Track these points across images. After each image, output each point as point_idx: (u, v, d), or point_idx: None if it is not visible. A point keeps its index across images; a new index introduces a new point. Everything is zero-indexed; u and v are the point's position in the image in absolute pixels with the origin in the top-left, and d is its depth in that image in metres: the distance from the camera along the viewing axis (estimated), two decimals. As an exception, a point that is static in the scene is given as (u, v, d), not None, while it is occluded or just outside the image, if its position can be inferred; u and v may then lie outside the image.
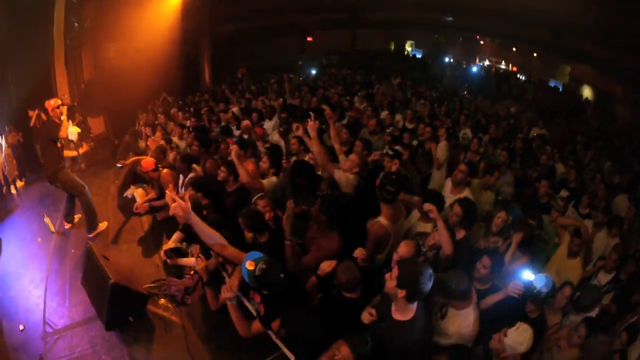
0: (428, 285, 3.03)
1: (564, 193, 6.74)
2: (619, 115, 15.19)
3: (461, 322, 3.53)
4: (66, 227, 6.91)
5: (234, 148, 5.40)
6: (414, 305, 3.13)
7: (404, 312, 3.15)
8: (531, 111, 14.12)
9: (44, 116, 9.82)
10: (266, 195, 5.01)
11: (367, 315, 3.35)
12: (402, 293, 3.03)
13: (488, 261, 4.02)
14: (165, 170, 6.61)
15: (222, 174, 5.48)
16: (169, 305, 4.56)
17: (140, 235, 6.36)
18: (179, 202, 3.26)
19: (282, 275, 3.44)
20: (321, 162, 5.40)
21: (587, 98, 16.99)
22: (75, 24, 12.88)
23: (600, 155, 10.54)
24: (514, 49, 20.40)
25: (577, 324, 4.13)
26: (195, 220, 3.44)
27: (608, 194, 7.44)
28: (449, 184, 5.88)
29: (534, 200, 6.53)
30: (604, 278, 5.41)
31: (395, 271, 3.08)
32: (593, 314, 4.52)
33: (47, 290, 5.37)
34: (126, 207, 7.08)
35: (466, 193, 5.47)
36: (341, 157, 5.87)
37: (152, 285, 4.82)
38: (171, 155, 7.14)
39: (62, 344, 4.48)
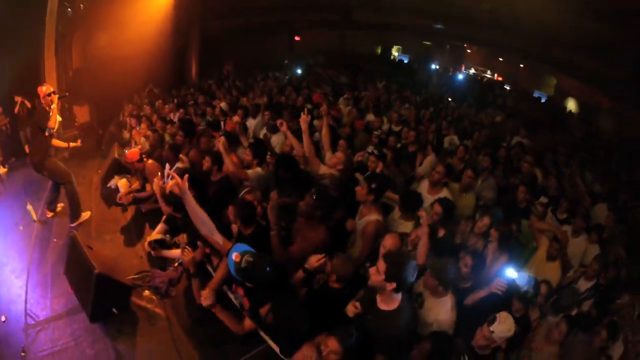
0: (414, 275, 3.20)
1: (543, 199, 6.88)
2: (604, 128, 15.36)
3: (440, 309, 3.66)
4: (48, 215, 6.80)
5: (221, 139, 5.51)
6: (399, 296, 3.24)
7: (389, 303, 3.25)
8: (514, 120, 14.12)
9: (27, 103, 9.68)
10: (253, 190, 5.11)
11: (352, 308, 3.44)
12: (391, 286, 3.13)
13: (470, 261, 4.11)
14: (150, 161, 6.58)
15: (206, 163, 5.56)
16: (153, 297, 4.55)
17: (123, 226, 6.31)
18: (176, 180, 3.35)
19: (268, 269, 3.45)
20: (309, 155, 5.45)
21: (570, 110, 17.21)
22: (69, 10, 12.68)
23: (583, 166, 10.74)
24: (501, 59, 20.49)
25: (557, 321, 4.33)
26: (189, 199, 3.52)
27: (590, 202, 7.69)
28: (425, 184, 5.98)
29: (514, 205, 6.52)
30: (584, 285, 5.50)
31: (382, 265, 3.16)
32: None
33: (29, 280, 5.26)
34: (109, 197, 7.02)
35: (444, 193, 5.58)
36: (328, 154, 6.01)
37: (135, 276, 4.78)
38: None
39: (44, 337, 4.41)
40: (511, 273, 4.00)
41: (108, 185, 7.27)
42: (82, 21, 13.20)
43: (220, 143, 5.43)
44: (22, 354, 4.27)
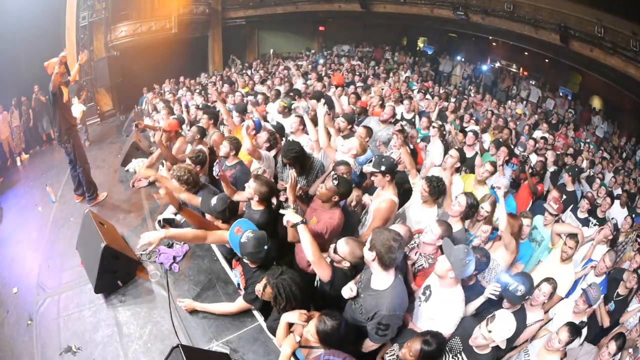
0: (399, 254, 3.23)
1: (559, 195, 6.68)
2: (626, 127, 15.22)
3: (449, 301, 3.63)
4: (77, 200, 6.94)
5: (248, 123, 5.86)
6: (391, 275, 3.28)
7: (381, 282, 3.29)
8: (537, 116, 14.31)
9: (42, 98, 9.98)
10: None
11: (348, 290, 3.46)
12: (373, 256, 3.20)
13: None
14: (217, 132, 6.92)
15: (224, 148, 5.63)
16: (157, 272, 4.65)
17: (137, 206, 6.42)
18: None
19: (265, 247, 3.60)
20: (323, 143, 5.61)
21: (595, 107, 16.92)
22: (89, 3, 13.06)
23: (604, 165, 10.72)
24: (526, 53, 19.78)
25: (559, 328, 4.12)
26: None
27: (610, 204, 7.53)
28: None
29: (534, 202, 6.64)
30: (595, 280, 5.32)
31: (371, 241, 3.24)
32: (579, 319, 4.60)
33: (43, 255, 5.52)
34: (127, 180, 7.17)
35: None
36: (338, 140, 6.07)
37: (143, 252, 4.89)
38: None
39: (52, 306, 4.62)
40: (506, 278, 3.95)
41: (126, 169, 7.46)
42: (104, 13, 13.54)
43: (245, 127, 5.72)
44: (29, 322, 4.49)
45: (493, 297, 3.78)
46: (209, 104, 9.85)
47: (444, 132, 7.61)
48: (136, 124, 7.34)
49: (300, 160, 5.14)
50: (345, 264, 3.57)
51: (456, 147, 6.26)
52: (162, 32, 14.51)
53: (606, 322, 5.30)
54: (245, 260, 3.81)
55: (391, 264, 3.22)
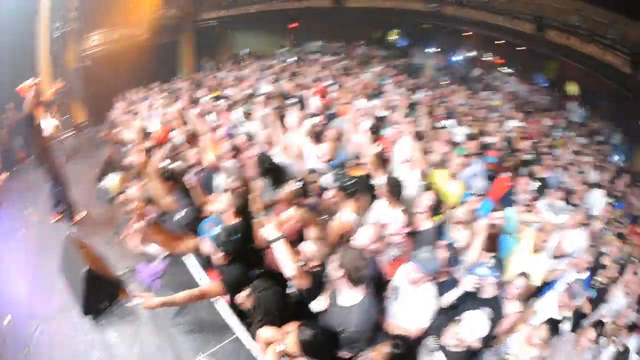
0: (367, 270, 3.34)
1: (533, 185, 6.69)
2: (603, 111, 15.44)
3: (421, 296, 3.74)
4: (54, 218, 6.95)
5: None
6: (358, 292, 3.36)
7: (348, 298, 3.38)
8: (512, 104, 14.31)
9: (16, 116, 9.92)
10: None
11: (316, 305, 3.61)
12: (342, 274, 3.29)
13: (446, 253, 4.16)
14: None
15: (194, 157, 5.90)
16: (140, 290, 4.72)
17: (115, 223, 6.44)
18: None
19: (234, 236, 3.85)
20: (294, 151, 5.69)
21: (571, 94, 17.00)
22: (62, 11, 12.95)
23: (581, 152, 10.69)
24: (501, 41, 19.65)
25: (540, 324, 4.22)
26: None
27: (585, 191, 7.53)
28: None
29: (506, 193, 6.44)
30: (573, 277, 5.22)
31: (338, 259, 3.33)
32: (563, 313, 4.67)
33: (31, 280, 5.58)
34: (103, 196, 7.12)
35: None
36: (312, 146, 6.01)
37: (123, 272, 5.02)
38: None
39: (45, 332, 4.70)
40: (483, 271, 3.97)
41: (101, 184, 7.33)
42: (75, 23, 13.44)
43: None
44: (26, 350, 4.54)
45: (472, 289, 3.86)
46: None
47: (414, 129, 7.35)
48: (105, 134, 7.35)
49: (273, 173, 5.22)
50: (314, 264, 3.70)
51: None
52: (134, 39, 14.43)
53: (587, 309, 5.27)
54: (219, 254, 3.92)
55: (359, 281, 3.31)
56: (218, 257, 3.92)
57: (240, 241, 3.87)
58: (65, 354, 4.34)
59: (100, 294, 4.60)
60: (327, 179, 4.80)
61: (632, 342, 5.04)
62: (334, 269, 3.36)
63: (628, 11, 12.33)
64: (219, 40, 19.29)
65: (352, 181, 4.61)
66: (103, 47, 14.37)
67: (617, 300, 5.45)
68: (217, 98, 9.89)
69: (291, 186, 4.35)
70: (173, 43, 17.45)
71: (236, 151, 6.06)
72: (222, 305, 4.14)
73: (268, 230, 3.57)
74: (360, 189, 4.71)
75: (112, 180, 7.14)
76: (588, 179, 8.56)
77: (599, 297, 5.48)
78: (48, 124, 9.64)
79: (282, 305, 3.54)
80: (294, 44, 20.89)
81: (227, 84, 12.04)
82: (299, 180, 4.44)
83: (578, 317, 5.10)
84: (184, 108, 8.32)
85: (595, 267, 5.64)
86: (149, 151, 6.64)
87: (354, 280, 3.31)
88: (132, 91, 13.32)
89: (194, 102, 9.82)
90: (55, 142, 9.69)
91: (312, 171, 5.15)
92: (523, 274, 4.47)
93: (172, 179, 5.49)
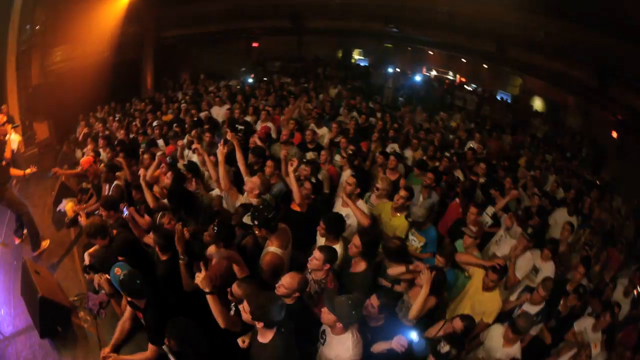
0: (280, 314, 3.43)
1: (490, 210, 6.76)
2: (569, 126, 15.79)
3: (340, 347, 3.71)
4: (17, 242, 7.09)
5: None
6: (273, 329, 3.51)
7: (264, 335, 3.55)
8: (474, 123, 14.24)
9: None
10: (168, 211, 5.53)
11: (240, 342, 3.89)
12: (259, 324, 3.44)
13: (377, 302, 4.04)
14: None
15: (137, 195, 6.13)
16: (88, 318, 5.05)
17: (69, 249, 6.75)
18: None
19: (137, 282, 4.06)
20: (225, 188, 5.74)
21: (537, 109, 17.38)
22: (27, 27, 12.99)
23: (546, 168, 10.61)
24: (463, 60, 20.47)
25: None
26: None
27: (543, 215, 7.23)
28: (339, 201, 5.95)
29: (457, 224, 6.17)
30: (531, 309, 5.23)
31: (246, 305, 3.48)
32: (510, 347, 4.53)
33: None
34: (58, 221, 7.38)
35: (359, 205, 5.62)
36: (246, 179, 6.00)
37: (75, 298, 5.28)
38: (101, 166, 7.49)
39: (12, 350, 4.98)
40: (414, 335, 3.90)
41: (57, 209, 7.51)
42: (40, 37, 13.45)
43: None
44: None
45: (398, 351, 3.68)
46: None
47: (354, 159, 7.38)
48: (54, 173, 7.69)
49: (184, 205, 5.51)
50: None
51: (352, 174, 6.20)
52: (96, 56, 14.57)
53: (548, 340, 5.37)
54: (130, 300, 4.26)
55: (276, 324, 3.50)
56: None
57: (142, 285, 4.11)
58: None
59: (54, 319, 4.86)
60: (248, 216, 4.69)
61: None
62: (242, 311, 3.53)
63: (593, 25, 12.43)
64: (180, 60, 19.36)
65: (271, 215, 4.58)
66: (66, 63, 14.45)
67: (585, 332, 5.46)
68: (169, 124, 10.16)
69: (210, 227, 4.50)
70: (134, 61, 17.48)
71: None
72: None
73: (199, 281, 3.76)
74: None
75: (66, 205, 7.32)
76: (554, 197, 8.47)
77: (562, 326, 5.53)
78: (12, 139, 9.82)
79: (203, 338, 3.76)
80: (254, 64, 20.86)
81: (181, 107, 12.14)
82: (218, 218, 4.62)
83: (541, 348, 5.29)
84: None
85: (560, 293, 5.65)
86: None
87: (268, 325, 3.47)
88: (94, 110, 13.58)
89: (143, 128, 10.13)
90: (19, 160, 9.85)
91: (243, 206, 5.22)
92: (465, 318, 4.37)
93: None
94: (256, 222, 4.56)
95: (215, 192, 6.13)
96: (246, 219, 4.65)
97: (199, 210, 5.71)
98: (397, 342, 3.67)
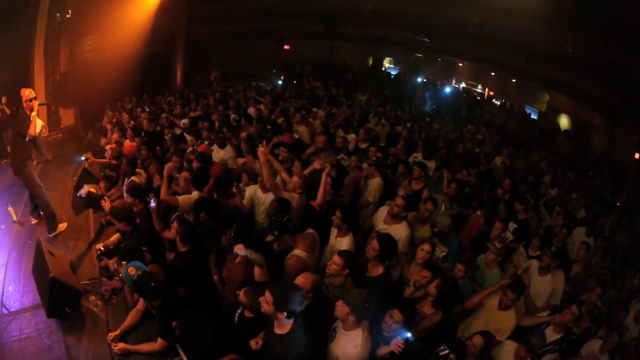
0: (301, 305, 3.47)
1: (511, 226, 6.78)
2: (594, 145, 15.57)
3: (349, 342, 3.71)
4: (33, 222, 7.07)
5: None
6: (291, 321, 3.52)
7: (282, 327, 3.55)
8: (501, 138, 14.19)
9: (7, 110, 10.08)
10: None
11: (254, 344, 3.85)
12: (282, 315, 3.44)
13: (400, 317, 3.99)
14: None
15: (156, 181, 6.22)
16: (98, 302, 5.02)
17: (85, 234, 6.73)
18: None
19: (152, 284, 4.05)
20: (269, 185, 5.74)
21: (563, 127, 17.19)
22: (58, 15, 13.10)
23: (569, 187, 10.56)
24: (492, 74, 20.39)
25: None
26: None
27: (566, 235, 7.09)
28: (383, 212, 5.80)
29: (480, 237, 6.25)
30: (551, 335, 5.04)
31: (269, 296, 3.44)
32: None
33: (6, 276, 5.79)
34: (78, 205, 7.37)
35: (401, 227, 5.49)
36: (284, 176, 6.29)
37: (87, 282, 5.26)
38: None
39: (15, 326, 4.96)
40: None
41: (78, 194, 7.49)
42: (69, 25, 13.57)
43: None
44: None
45: (396, 351, 3.70)
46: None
47: (382, 167, 7.37)
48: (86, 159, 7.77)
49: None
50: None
51: (403, 196, 5.79)
52: (126, 48, 14.66)
53: None
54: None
55: (295, 315, 3.51)
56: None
57: (157, 288, 4.12)
58: (29, 350, 4.62)
59: (63, 300, 4.82)
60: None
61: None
62: (264, 302, 3.49)
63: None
64: (209, 56, 19.36)
65: (285, 219, 4.70)
66: (96, 53, 14.59)
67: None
68: (195, 120, 10.17)
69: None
70: (164, 54, 17.53)
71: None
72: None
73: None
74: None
75: (87, 191, 7.33)
76: (575, 216, 8.41)
77: (574, 347, 5.31)
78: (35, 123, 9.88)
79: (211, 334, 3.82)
80: (286, 65, 21.01)
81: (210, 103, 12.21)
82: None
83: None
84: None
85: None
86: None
87: (290, 315, 3.48)
88: (123, 100, 13.68)
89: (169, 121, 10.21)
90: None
91: (278, 200, 5.32)
92: (481, 334, 4.30)
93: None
94: (276, 233, 4.67)
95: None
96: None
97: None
98: (395, 344, 3.71)
